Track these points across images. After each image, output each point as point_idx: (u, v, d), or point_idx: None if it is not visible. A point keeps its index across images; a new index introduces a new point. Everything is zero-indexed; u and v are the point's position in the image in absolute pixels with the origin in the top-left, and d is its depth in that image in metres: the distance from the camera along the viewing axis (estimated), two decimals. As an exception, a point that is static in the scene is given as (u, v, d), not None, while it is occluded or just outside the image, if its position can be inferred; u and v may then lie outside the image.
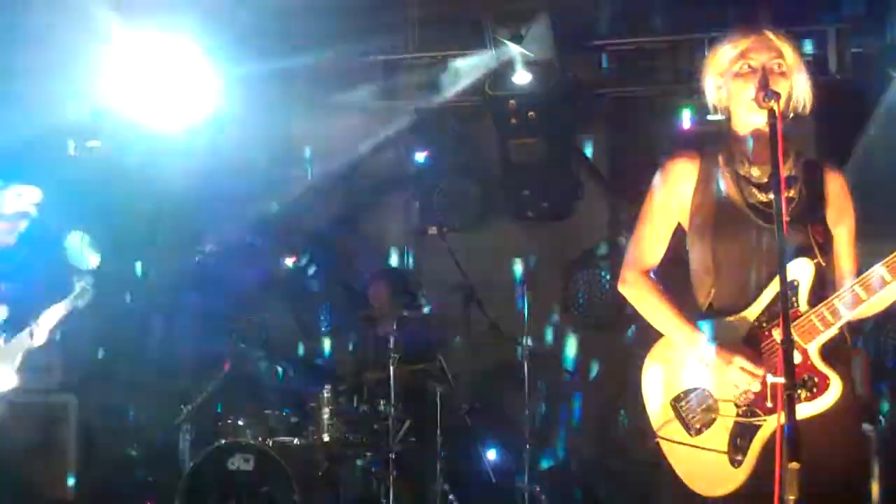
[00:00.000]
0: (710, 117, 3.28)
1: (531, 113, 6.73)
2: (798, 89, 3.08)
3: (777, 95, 2.82)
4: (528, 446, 6.36)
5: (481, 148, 7.58)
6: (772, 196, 2.83)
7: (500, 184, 7.48)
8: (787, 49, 3.04)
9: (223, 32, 7.73)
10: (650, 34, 7.10)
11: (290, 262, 7.77)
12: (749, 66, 3.03)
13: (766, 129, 2.84)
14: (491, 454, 6.64)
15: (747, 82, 3.00)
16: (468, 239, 7.41)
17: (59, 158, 7.69)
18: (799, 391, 2.86)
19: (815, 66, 6.69)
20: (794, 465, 2.35)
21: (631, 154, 7.48)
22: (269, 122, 8.34)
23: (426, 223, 7.33)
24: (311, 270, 7.82)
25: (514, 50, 6.49)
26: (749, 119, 3.05)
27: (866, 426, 5.97)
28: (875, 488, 5.48)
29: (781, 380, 2.47)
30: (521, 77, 6.61)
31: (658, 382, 3.17)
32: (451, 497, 6.08)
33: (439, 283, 7.08)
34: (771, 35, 3.05)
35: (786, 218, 2.87)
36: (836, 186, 3.10)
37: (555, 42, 6.54)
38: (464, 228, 7.56)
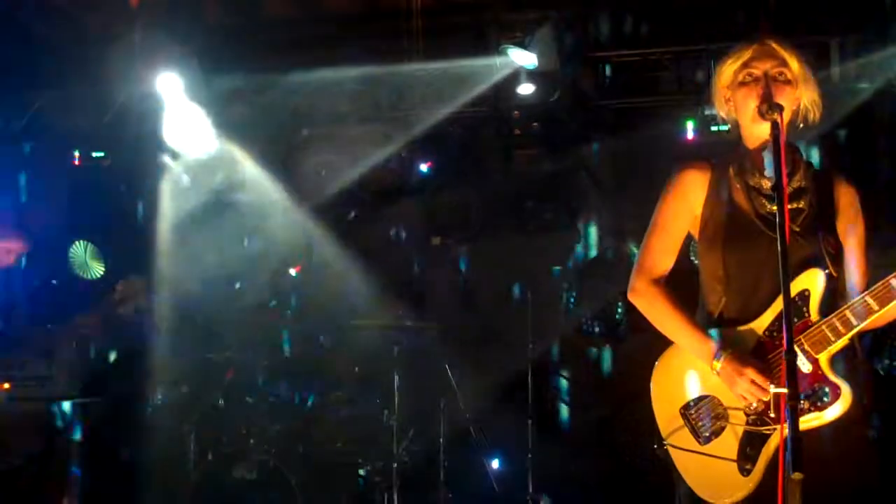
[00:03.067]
0: (713, 128, 3.28)
1: (535, 123, 6.76)
2: (806, 99, 3.07)
3: (780, 107, 2.81)
4: (531, 455, 6.37)
5: (485, 158, 7.60)
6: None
7: (504, 194, 7.50)
8: (791, 58, 3.03)
9: (222, 44, 7.79)
10: (654, 45, 7.13)
11: (293, 271, 7.77)
12: (751, 76, 3.03)
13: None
14: (494, 463, 6.64)
15: (751, 92, 3.01)
16: (471, 249, 7.42)
17: (63, 168, 7.75)
18: (808, 401, 2.87)
19: (819, 77, 6.72)
20: (797, 475, 2.35)
21: (634, 164, 7.50)
22: (270, 131, 8.39)
23: (430, 233, 7.35)
24: (315, 280, 7.83)
25: (517, 60, 6.52)
26: (756, 129, 3.04)
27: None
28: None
29: (784, 390, 2.47)
30: (525, 88, 6.63)
31: (668, 390, 3.17)
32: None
33: (443, 293, 7.08)
34: (774, 45, 3.04)
35: (796, 228, 2.95)
36: (846, 197, 3.10)
37: (559, 53, 6.57)
38: (467, 239, 7.58)
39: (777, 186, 2.71)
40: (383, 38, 7.96)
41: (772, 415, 2.91)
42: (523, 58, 6.49)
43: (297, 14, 8.38)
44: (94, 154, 7.55)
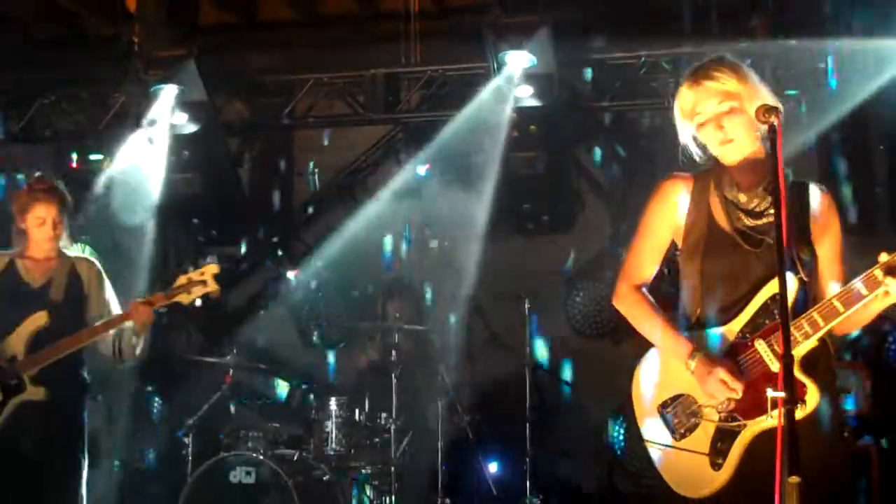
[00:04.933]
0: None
1: (532, 126, 6.76)
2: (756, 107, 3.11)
3: (776, 109, 2.85)
4: (528, 458, 6.37)
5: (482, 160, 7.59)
6: (758, 221, 3.09)
7: (501, 196, 7.49)
8: (730, 83, 3.10)
9: (220, 46, 7.79)
10: (651, 47, 7.15)
11: (292, 274, 7.78)
12: (704, 118, 3.14)
13: (752, 158, 3.09)
14: (492, 467, 6.64)
15: (708, 131, 3.14)
16: (469, 251, 7.41)
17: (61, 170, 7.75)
18: (774, 402, 2.91)
19: (815, 78, 6.75)
20: (794, 478, 2.40)
21: (631, 167, 7.51)
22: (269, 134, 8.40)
23: (428, 236, 7.34)
24: (314, 283, 7.83)
25: (515, 62, 6.52)
26: (727, 156, 3.16)
27: (868, 439, 6.00)
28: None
29: (781, 394, 2.51)
30: (523, 90, 6.63)
31: (647, 389, 3.30)
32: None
33: (441, 295, 7.08)
34: (709, 83, 3.11)
35: (770, 241, 3.05)
36: (820, 204, 3.18)
37: (556, 55, 6.57)
38: (465, 241, 7.57)
39: (774, 189, 2.77)
40: (382, 40, 7.99)
41: (738, 417, 3.03)
42: (521, 61, 6.50)
43: (295, 16, 8.40)
44: (92, 157, 7.53)
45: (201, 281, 4.67)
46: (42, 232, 4.67)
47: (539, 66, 6.53)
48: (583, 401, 7.21)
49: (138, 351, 4.75)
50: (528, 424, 6.44)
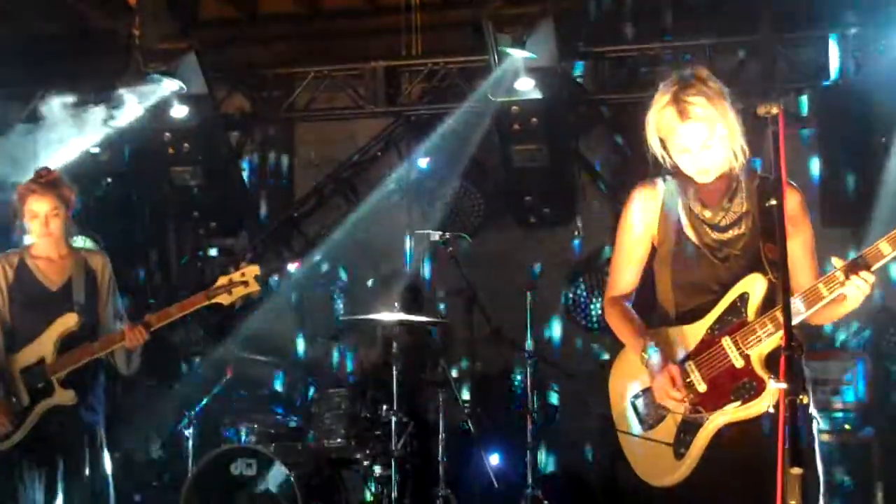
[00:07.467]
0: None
1: (534, 119, 6.76)
2: (732, 134, 3.15)
3: (777, 102, 2.84)
4: (530, 451, 6.37)
5: (483, 153, 7.59)
6: (724, 235, 3.21)
7: (503, 189, 7.50)
8: (711, 112, 3.11)
9: (220, 40, 7.79)
10: (652, 40, 7.14)
11: (293, 266, 7.78)
12: (687, 148, 3.18)
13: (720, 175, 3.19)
14: (493, 459, 6.64)
15: (686, 160, 3.20)
16: (470, 244, 7.41)
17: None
18: (734, 395, 3.08)
19: (817, 72, 6.74)
20: (797, 470, 2.41)
21: (633, 160, 7.50)
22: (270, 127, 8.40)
23: (429, 229, 7.34)
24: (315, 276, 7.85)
25: (516, 56, 6.52)
26: (699, 179, 3.23)
27: (868, 431, 6.02)
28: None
29: (784, 385, 2.52)
30: (524, 83, 6.63)
31: (621, 383, 3.44)
32: (453, 502, 6.08)
33: (442, 288, 7.09)
34: (695, 118, 3.12)
35: (737, 252, 3.19)
36: (790, 204, 3.15)
37: (557, 48, 6.57)
38: (466, 234, 7.57)
39: (776, 182, 2.78)
40: (382, 33, 7.99)
41: (699, 412, 3.11)
42: (522, 53, 6.49)
43: (296, 9, 8.40)
44: (91, 150, 7.51)
45: (242, 282, 4.57)
46: (35, 227, 4.50)
47: (540, 58, 6.52)
48: (584, 393, 7.21)
49: (131, 369, 4.71)
50: (529, 416, 6.44)
